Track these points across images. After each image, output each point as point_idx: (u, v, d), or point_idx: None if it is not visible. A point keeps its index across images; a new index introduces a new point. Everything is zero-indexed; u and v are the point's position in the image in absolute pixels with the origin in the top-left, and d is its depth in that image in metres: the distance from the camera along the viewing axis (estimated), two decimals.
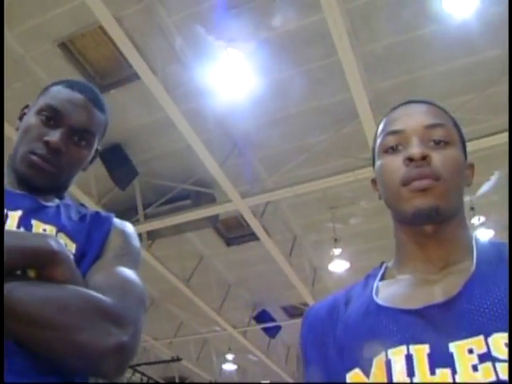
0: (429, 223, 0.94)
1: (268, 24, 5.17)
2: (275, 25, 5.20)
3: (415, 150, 0.94)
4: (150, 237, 7.52)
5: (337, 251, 7.41)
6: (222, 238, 8.32)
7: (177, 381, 13.82)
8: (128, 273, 1.03)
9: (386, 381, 0.79)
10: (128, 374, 13.12)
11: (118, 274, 1.01)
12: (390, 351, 0.82)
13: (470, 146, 4.88)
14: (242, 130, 6.16)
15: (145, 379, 12.74)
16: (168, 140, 6.27)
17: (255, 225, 6.62)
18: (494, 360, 0.76)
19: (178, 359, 11.79)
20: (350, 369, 0.86)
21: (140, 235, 7.34)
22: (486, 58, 5.57)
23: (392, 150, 0.99)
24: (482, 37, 5.27)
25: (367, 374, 0.83)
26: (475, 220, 7.04)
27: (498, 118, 5.92)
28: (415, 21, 5.07)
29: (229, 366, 12.92)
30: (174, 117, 5.29)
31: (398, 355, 0.81)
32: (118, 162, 6.48)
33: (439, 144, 0.97)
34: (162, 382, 13.51)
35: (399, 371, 0.79)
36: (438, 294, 0.88)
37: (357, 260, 7.70)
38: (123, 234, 1.15)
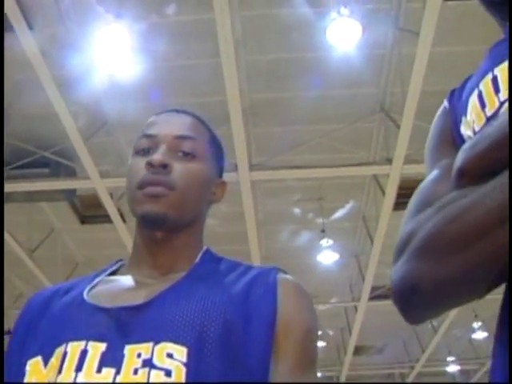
0: (158, 229, 0.97)
1: (162, 9, 5.10)
2: (169, 12, 5.14)
3: (157, 156, 0.96)
4: None
5: None
6: (76, 214, 8.02)
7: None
8: None
9: (57, 371, 0.82)
10: None
11: None
12: (70, 344, 0.84)
13: (330, 172, 5.20)
14: (116, 110, 6.00)
15: None
16: (36, 102, 5.93)
17: (110, 207, 6.47)
18: (152, 367, 0.80)
19: (10, 332, 11.20)
20: (34, 356, 0.87)
21: None
22: (360, 94, 5.91)
23: (143, 152, 1.00)
24: (360, 74, 5.58)
25: (46, 362, 0.85)
26: (324, 242, 7.43)
27: (360, 152, 6.30)
28: (302, 44, 5.26)
29: None
30: (44, 80, 5.03)
31: (75, 349, 0.84)
32: None
33: (187, 156, 1.00)
34: None
35: (68, 364, 0.82)
36: (139, 297, 0.91)
37: None
38: None
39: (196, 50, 5.34)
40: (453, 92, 0.93)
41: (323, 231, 7.36)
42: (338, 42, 5.05)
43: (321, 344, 11.04)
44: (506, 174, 0.60)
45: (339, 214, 7.30)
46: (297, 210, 7.19)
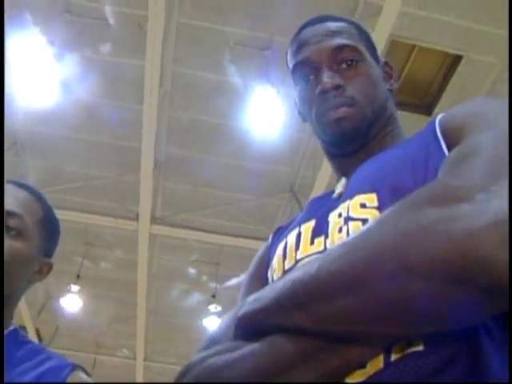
0: None
1: (97, 46, 5.11)
2: (103, 50, 5.15)
3: None
4: None
5: (75, 287, 7.16)
6: None
7: None
8: None
9: None
10: None
11: None
12: None
13: (229, 241, 5.23)
14: (29, 132, 5.83)
15: None
16: None
17: None
18: None
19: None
20: None
21: None
22: (273, 171, 6.04)
23: None
24: (276, 152, 5.73)
25: None
26: (212, 307, 7.36)
27: (262, 227, 6.38)
28: (225, 111, 5.38)
29: None
30: None
31: None
32: None
33: (11, 233, 0.98)
34: None
35: None
36: None
37: (91, 303, 7.52)
38: None
39: (121, 92, 5.34)
40: (278, 230, 0.94)
41: (214, 296, 7.30)
42: (260, 118, 5.21)
43: None
44: (263, 342, 0.60)
45: (233, 282, 7.29)
46: (192, 270, 7.12)
